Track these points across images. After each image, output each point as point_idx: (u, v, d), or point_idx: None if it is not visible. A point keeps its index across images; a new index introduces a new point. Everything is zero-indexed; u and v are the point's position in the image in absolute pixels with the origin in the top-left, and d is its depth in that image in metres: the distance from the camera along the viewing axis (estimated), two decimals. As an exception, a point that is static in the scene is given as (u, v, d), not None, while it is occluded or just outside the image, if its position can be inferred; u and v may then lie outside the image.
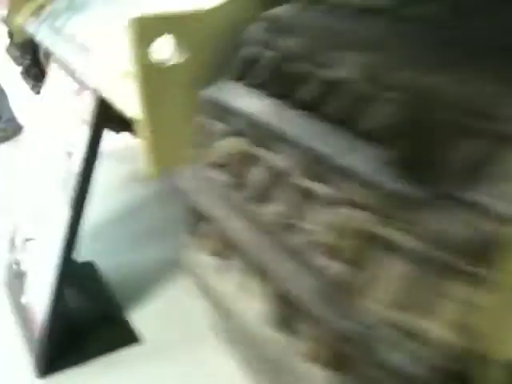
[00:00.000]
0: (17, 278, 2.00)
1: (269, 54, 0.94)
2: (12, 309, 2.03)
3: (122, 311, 2.04)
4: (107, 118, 1.55)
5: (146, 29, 1.02)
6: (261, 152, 0.84)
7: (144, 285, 2.20)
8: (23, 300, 1.91)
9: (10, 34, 2.72)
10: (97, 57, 1.39)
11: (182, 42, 1.05)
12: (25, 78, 2.76)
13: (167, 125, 1.07)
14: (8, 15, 2.67)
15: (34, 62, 2.61)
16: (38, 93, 2.69)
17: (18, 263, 2.00)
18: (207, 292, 1.01)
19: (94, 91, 1.48)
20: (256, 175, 0.84)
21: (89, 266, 2.27)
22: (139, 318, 2.02)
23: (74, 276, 1.92)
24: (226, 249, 0.90)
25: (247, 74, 0.97)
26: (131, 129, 2.11)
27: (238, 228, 0.85)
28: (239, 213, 0.85)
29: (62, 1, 2.09)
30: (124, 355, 1.87)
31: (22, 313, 1.92)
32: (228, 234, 0.88)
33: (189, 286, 2.16)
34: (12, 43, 2.72)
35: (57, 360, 1.79)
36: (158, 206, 2.81)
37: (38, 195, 1.94)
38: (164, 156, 1.09)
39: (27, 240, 1.98)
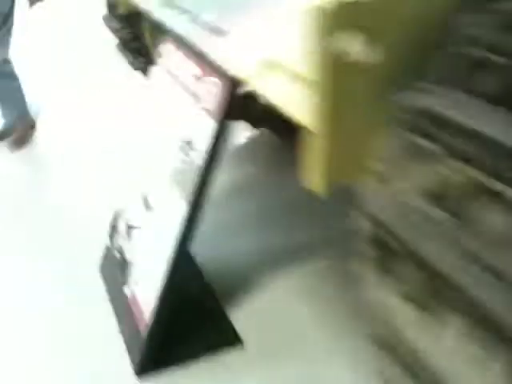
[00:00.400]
0: (118, 266, 1.91)
1: (503, 61, 0.75)
2: (109, 297, 1.95)
3: (223, 308, 1.93)
4: (237, 109, 1.40)
5: (335, 19, 0.85)
6: (506, 189, 0.67)
7: (244, 281, 2.05)
8: (126, 290, 1.82)
9: (110, 5, 2.61)
10: (238, 43, 1.23)
11: (373, 34, 0.87)
12: (122, 52, 2.65)
13: (348, 134, 0.90)
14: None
15: (134, 36, 2.48)
16: (137, 69, 2.57)
17: (121, 251, 1.90)
18: (394, 341, 0.85)
19: (228, 79, 1.33)
20: (497, 218, 0.67)
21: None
22: (240, 316, 1.89)
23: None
24: (439, 301, 0.74)
25: (466, 81, 0.79)
26: (270, 124, 1.93)
27: (466, 281, 0.68)
28: (469, 262, 0.68)
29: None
30: (226, 357, 1.76)
31: (123, 304, 1.83)
32: (447, 285, 0.71)
33: (293, 286, 2.03)
34: (111, 14, 2.60)
35: (159, 358, 1.70)
36: (261, 194, 2.58)
37: (147, 183, 1.83)
38: (340, 169, 0.92)
39: (130, 227, 1.89)
